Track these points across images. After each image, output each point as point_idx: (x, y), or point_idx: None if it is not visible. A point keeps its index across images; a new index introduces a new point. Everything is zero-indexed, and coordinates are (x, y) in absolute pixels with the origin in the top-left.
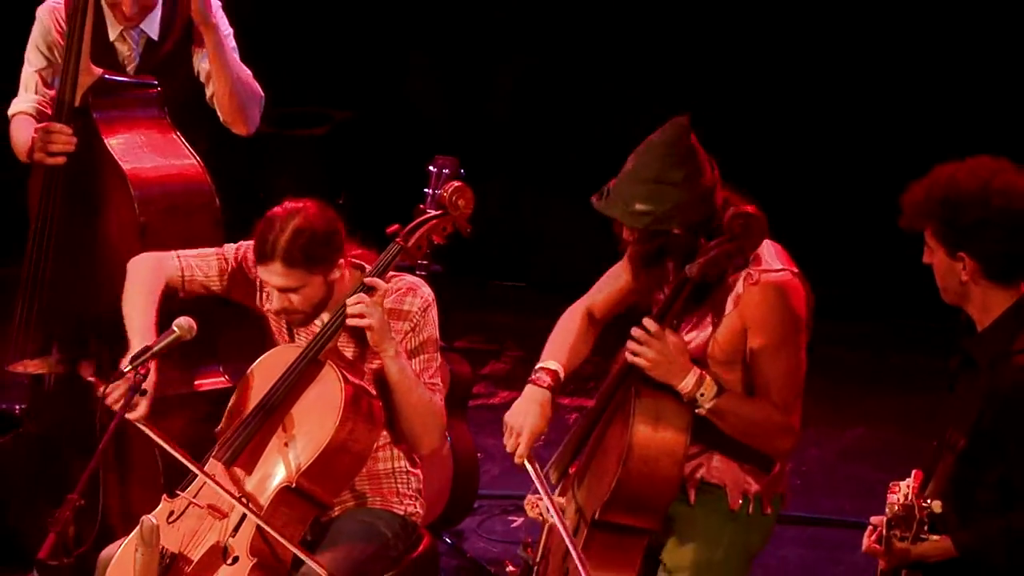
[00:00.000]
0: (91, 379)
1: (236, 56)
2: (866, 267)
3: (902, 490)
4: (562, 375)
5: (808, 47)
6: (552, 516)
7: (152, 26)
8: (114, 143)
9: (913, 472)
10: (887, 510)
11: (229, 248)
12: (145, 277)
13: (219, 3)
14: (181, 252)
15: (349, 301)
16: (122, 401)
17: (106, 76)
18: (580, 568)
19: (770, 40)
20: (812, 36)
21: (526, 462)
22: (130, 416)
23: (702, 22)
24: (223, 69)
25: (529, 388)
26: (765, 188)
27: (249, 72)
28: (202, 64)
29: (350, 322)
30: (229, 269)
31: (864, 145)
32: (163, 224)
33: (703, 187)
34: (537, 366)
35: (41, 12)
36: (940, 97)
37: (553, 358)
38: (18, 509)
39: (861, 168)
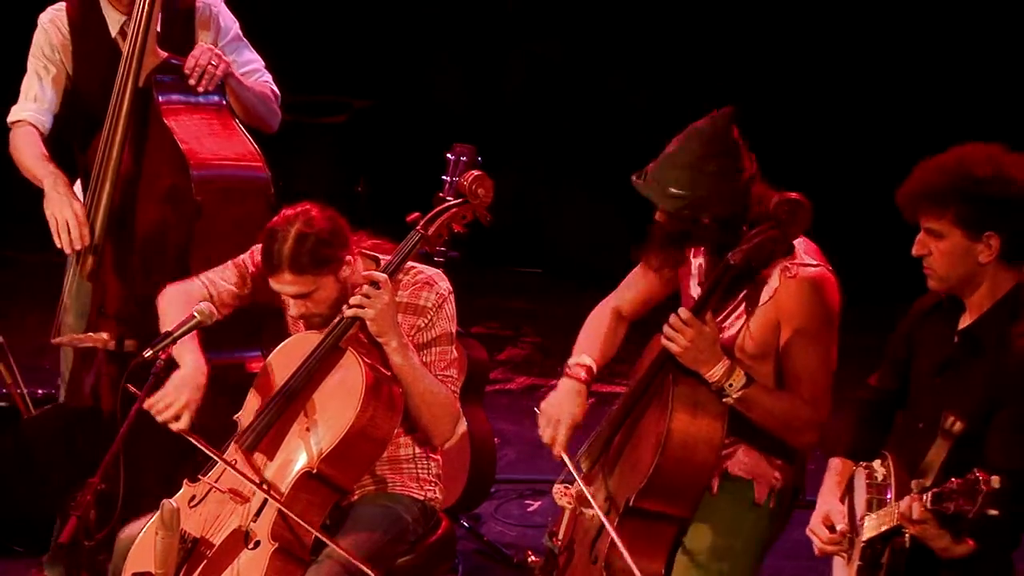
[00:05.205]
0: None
1: (250, 59)
2: (865, 250)
3: (878, 470)
4: (595, 369)
5: (807, 41)
6: (595, 510)
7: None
8: (175, 124)
9: (885, 453)
10: (868, 490)
11: (244, 256)
12: (178, 308)
13: (222, 2)
14: (202, 274)
15: (352, 297)
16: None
17: (171, 59)
18: (624, 553)
19: (775, 29)
20: (815, 30)
21: (564, 456)
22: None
23: (713, 13)
24: (241, 106)
25: (564, 380)
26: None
27: (263, 83)
28: None
29: (348, 312)
30: (249, 272)
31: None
32: (218, 206)
33: (738, 182)
34: (570, 361)
35: (43, 19)
36: (921, 89)
37: (586, 353)
38: (53, 486)
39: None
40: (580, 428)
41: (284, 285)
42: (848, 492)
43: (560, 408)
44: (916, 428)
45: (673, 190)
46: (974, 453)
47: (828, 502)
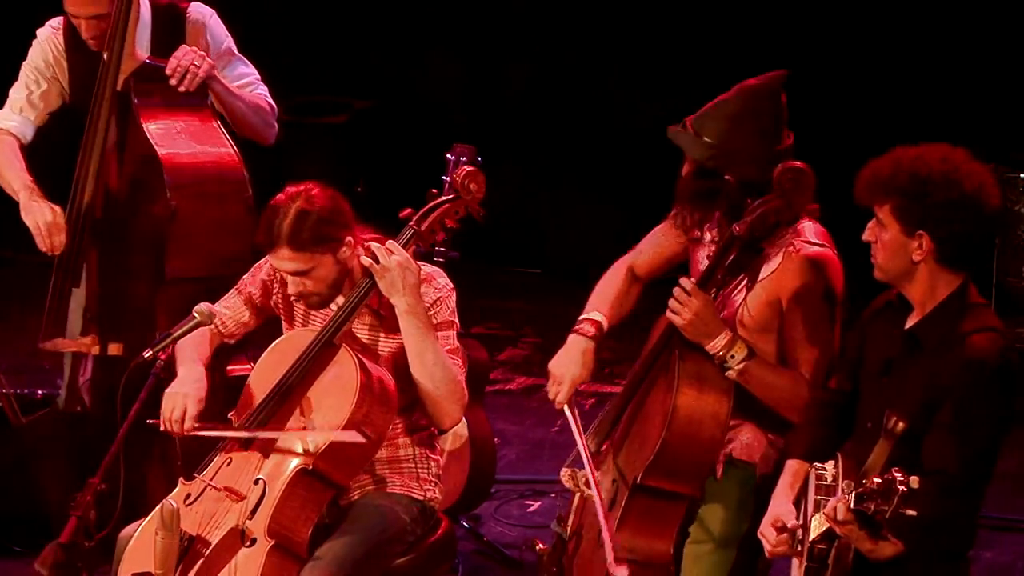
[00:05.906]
0: None
1: (244, 73)
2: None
3: (829, 471)
4: (605, 326)
5: (810, 41)
6: (588, 470)
7: (142, 43)
8: (152, 128)
9: (838, 455)
10: (816, 490)
11: (247, 276)
12: (189, 345)
13: (213, 14)
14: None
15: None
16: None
17: (149, 61)
18: (607, 539)
19: (779, 30)
20: (819, 28)
21: (565, 408)
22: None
23: (714, 13)
24: (230, 114)
25: (572, 337)
26: None
27: (257, 95)
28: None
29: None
30: (249, 292)
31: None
32: (194, 210)
33: (772, 149)
34: (581, 317)
35: (40, 34)
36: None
37: (597, 309)
38: (49, 489)
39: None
40: (587, 383)
41: (282, 261)
42: (803, 494)
43: (565, 366)
44: (865, 428)
45: (707, 139)
46: (917, 453)
47: (779, 504)
